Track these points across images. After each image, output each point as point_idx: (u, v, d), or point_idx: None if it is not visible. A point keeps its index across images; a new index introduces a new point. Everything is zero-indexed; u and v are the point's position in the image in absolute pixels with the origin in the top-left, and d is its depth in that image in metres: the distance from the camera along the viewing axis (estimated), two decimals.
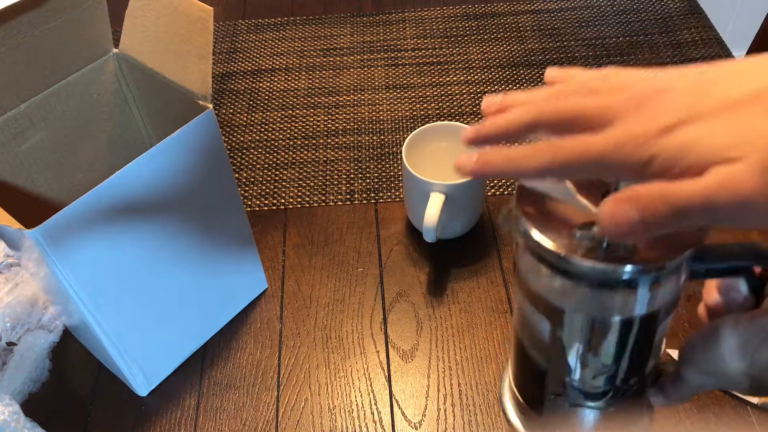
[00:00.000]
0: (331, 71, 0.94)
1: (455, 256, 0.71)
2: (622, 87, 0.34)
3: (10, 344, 0.64)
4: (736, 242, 0.40)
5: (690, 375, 0.42)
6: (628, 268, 0.36)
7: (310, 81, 0.92)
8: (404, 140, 0.69)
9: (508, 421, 0.57)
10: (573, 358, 0.44)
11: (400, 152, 0.79)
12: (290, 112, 0.88)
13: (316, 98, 0.90)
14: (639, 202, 0.30)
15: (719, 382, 0.40)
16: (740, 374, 0.39)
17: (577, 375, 0.45)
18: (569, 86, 0.36)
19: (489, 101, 0.37)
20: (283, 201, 0.78)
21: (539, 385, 0.48)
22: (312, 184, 0.79)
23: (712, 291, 0.43)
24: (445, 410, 0.60)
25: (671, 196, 0.30)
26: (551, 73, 0.38)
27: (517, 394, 0.54)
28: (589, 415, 0.48)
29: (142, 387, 0.62)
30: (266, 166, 0.82)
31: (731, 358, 0.38)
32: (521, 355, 0.49)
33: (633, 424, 0.50)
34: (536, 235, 0.37)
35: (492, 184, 0.78)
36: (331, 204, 0.77)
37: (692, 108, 0.31)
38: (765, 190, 0.28)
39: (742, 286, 0.42)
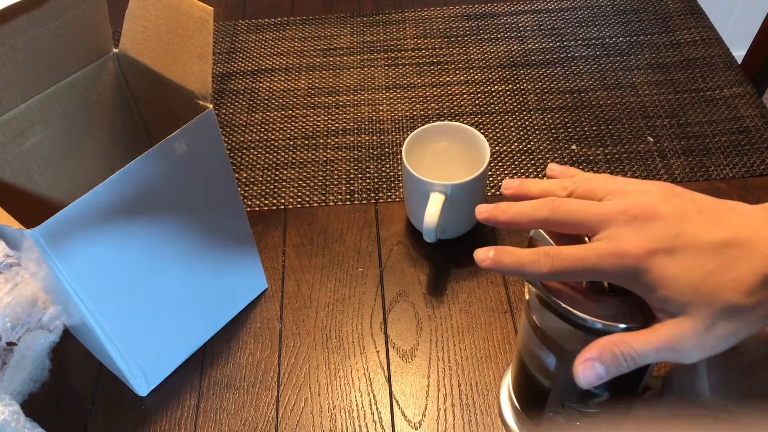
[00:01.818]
0: (331, 71, 0.94)
1: (455, 256, 0.71)
2: (620, 191, 0.40)
3: (10, 344, 0.64)
4: None
5: (672, 398, 0.46)
6: (627, 325, 0.40)
7: (310, 81, 0.92)
8: (404, 140, 0.69)
9: (506, 428, 0.58)
10: (574, 388, 0.47)
11: (400, 152, 0.79)
12: (290, 112, 0.88)
13: (316, 98, 0.90)
14: (603, 360, 0.38)
15: (696, 408, 0.45)
16: (717, 405, 0.43)
17: (576, 401, 0.48)
18: (574, 186, 0.42)
19: (507, 184, 0.44)
20: (283, 201, 0.78)
21: (539, 403, 0.50)
22: (312, 184, 0.79)
23: None
24: (444, 410, 0.60)
25: (629, 353, 0.37)
26: (554, 168, 0.45)
27: (517, 405, 0.55)
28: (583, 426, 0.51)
29: (142, 387, 0.62)
30: (266, 166, 0.82)
31: (706, 391, 0.43)
32: (523, 373, 0.52)
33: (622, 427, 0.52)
34: (547, 286, 0.42)
35: (492, 185, 0.78)
36: (331, 204, 0.77)
37: (671, 241, 0.37)
38: (700, 348, 0.37)
39: None
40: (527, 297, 0.47)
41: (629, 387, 0.47)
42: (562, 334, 0.43)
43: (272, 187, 0.79)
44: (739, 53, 1.16)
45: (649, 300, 0.38)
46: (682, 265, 0.36)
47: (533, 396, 0.51)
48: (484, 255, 0.41)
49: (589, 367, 0.38)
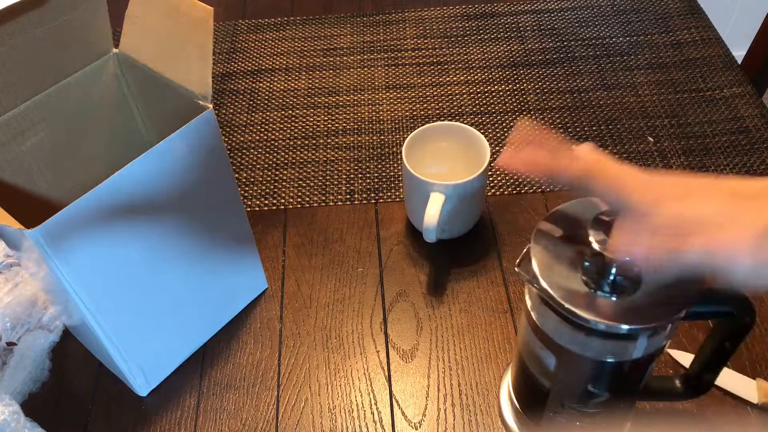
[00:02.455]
0: (331, 71, 0.94)
1: (455, 256, 0.71)
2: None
3: (10, 344, 0.64)
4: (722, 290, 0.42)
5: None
6: (631, 327, 0.40)
7: (310, 81, 0.92)
8: (404, 140, 0.69)
9: (506, 428, 0.58)
10: (574, 388, 0.48)
11: (400, 152, 0.79)
12: (290, 112, 0.88)
13: (316, 98, 0.90)
14: (647, 253, 0.36)
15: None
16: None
17: (576, 401, 0.48)
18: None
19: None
20: (283, 201, 0.78)
21: (539, 403, 0.50)
22: (312, 184, 0.79)
23: None
24: (445, 410, 0.60)
25: (674, 252, 0.35)
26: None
27: (518, 405, 0.55)
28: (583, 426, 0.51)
29: (142, 387, 0.62)
30: (266, 166, 0.82)
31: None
32: (523, 373, 0.51)
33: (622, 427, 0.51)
34: (549, 287, 0.41)
35: (492, 185, 0.78)
36: (331, 204, 0.77)
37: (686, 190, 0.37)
38: (754, 259, 0.34)
39: None
40: (527, 297, 0.46)
41: (629, 387, 0.47)
42: (562, 335, 0.43)
43: (272, 187, 0.79)
44: (739, 53, 1.16)
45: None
46: (716, 206, 0.36)
47: (533, 396, 0.51)
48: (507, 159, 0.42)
49: (634, 248, 0.37)
